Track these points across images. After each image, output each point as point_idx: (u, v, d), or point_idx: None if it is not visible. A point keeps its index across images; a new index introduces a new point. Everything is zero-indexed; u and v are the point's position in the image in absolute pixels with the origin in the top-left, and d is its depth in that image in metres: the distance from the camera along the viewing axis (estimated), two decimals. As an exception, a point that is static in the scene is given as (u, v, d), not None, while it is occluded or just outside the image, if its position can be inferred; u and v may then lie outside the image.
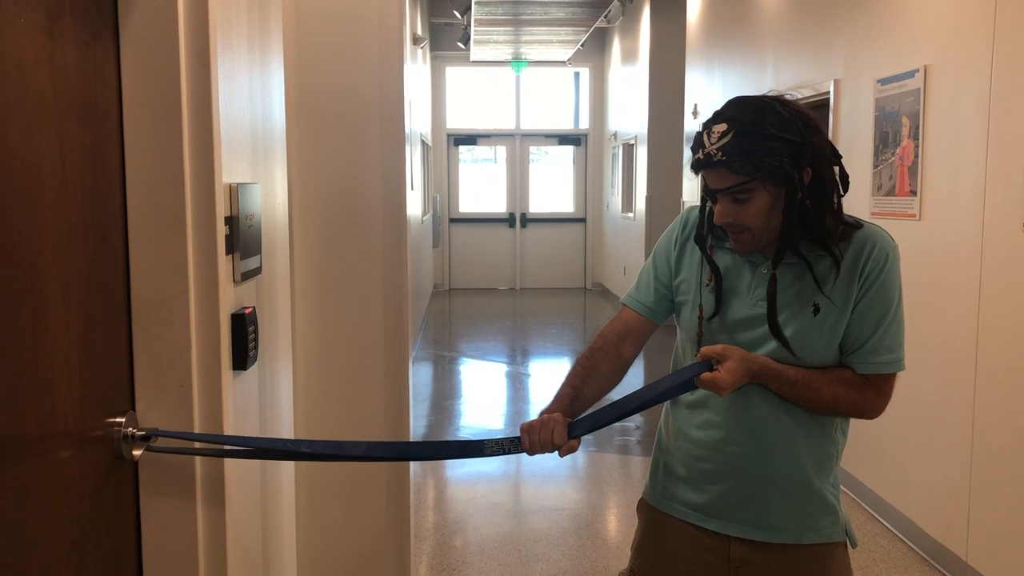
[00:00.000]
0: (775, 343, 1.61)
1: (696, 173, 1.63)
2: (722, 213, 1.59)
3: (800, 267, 1.61)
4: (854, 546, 1.74)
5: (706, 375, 1.56)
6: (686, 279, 1.74)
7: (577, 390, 1.72)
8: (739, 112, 1.55)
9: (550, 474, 4.84)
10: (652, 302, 1.78)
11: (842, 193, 1.63)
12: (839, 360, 1.64)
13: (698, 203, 1.72)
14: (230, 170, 1.62)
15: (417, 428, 5.66)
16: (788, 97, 1.62)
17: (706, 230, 1.70)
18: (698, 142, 1.58)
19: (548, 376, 7.42)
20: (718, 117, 1.57)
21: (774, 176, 1.53)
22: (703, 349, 1.60)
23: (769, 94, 1.61)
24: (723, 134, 1.53)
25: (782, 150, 1.52)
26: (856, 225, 1.63)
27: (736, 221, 1.58)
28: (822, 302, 1.60)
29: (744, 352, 1.59)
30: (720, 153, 1.52)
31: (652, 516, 1.82)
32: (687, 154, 8.00)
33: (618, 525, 4.17)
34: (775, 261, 1.60)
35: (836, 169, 1.61)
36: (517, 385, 7.27)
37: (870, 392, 1.63)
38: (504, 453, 1.65)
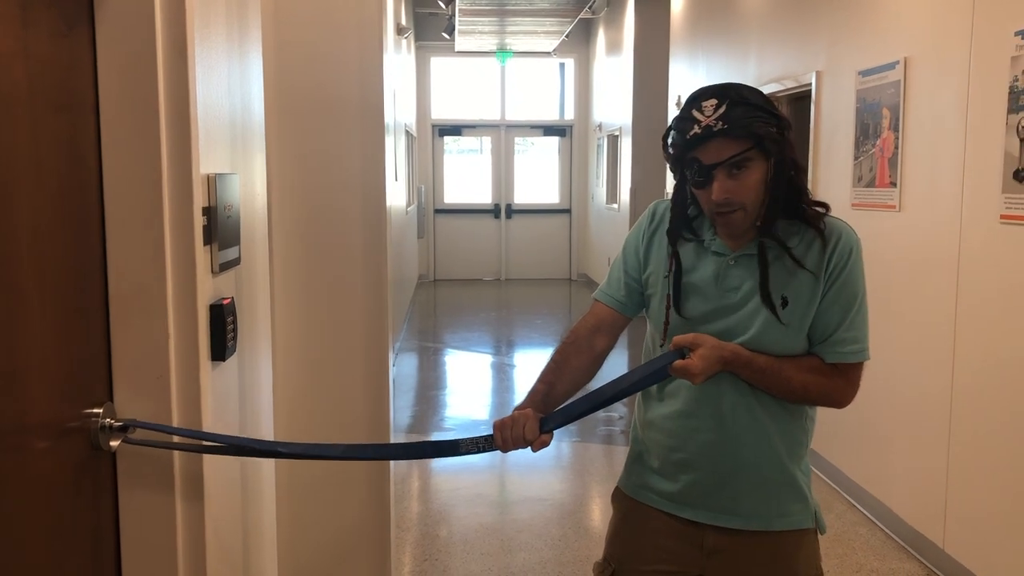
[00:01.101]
0: (746, 335, 1.63)
1: (683, 155, 1.60)
2: (722, 189, 1.57)
3: (768, 260, 1.63)
4: (822, 532, 1.77)
5: (678, 363, 1.57)
6: (654, 272, 1.75)
7: (550, 386, 1.72)
8: (724, 88, 1.59)
9: (534, 464, 4.85)
10: (622, 295, 1.79)
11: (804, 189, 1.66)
12: (807, 350, 1.67)
13: (666, 198, 1.74)
14: (208, 160, 1.61)
15: (401, 419, 5.66)
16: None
17: (675, 225, 1.70)
18: (689, 121, 1.57)
19: (533, 367, 7.43)
20: (703, 95, 1.59)
21: (766, 144, 1.56)
22: (675, 338, 1.61)
23: None
24: (717, 106, 1.55)
25: (769, 119, 1.57)
26: (824, 208, 1.65)
27: (734, 197, 1.58)
28: (790, 295, 1.62)
29: (715, 340, 1.61)
30: (720, 122, 1.54)
31: (627, 505, 1.83)
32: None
33: (601, 515, 4.19)
34: (763, 230, 1.61)
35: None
36: (502, 376, 7.28)
37: (839, 379, 1.66)
38: (479, 452, 1.64)
